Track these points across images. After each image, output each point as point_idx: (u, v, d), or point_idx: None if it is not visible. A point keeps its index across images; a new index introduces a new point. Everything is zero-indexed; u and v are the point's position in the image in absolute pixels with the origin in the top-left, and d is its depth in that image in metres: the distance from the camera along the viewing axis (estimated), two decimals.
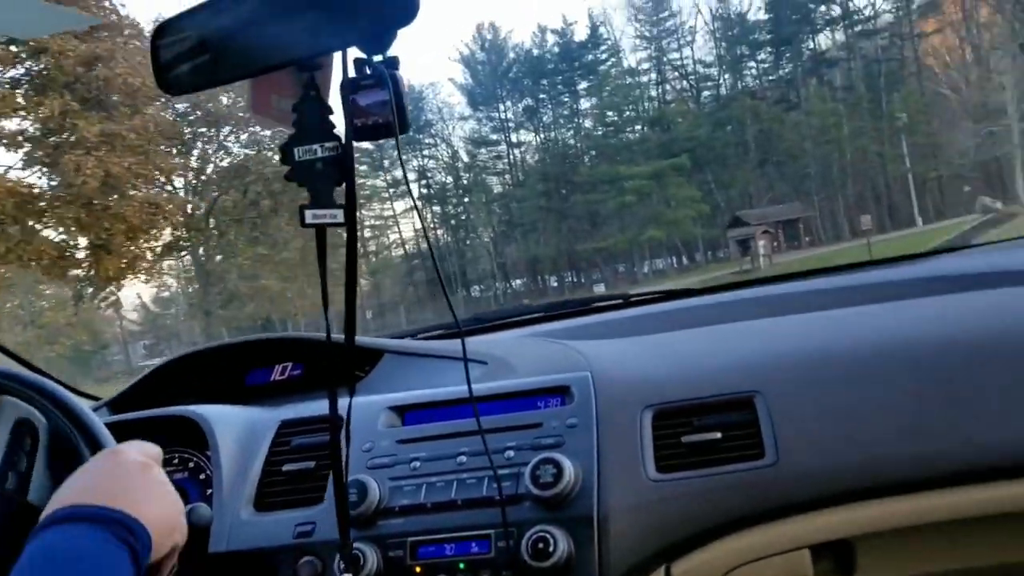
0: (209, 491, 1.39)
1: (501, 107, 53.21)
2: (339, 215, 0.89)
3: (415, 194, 59.57)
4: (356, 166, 0.93)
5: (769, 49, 50.70)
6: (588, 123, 48.79)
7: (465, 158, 57.35)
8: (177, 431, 1.46)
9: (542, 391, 1.36)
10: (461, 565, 1.17)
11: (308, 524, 1.26)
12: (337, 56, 0.88)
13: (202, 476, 1.45)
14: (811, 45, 50.01)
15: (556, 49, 51.31)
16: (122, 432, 1.11)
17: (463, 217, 58.65)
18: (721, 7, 52.13)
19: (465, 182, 57.72)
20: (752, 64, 51.97)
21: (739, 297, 1.87)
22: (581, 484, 1.18)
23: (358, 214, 0.92)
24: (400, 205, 58.16)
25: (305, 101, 0.91)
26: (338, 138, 0.89)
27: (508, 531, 1.15)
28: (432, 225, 59.02)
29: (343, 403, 1.01)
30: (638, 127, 49.54)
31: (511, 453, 1.25)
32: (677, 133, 46.98)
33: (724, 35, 51.96)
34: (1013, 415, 1.16)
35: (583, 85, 50.67)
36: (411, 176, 58.46)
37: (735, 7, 52.61)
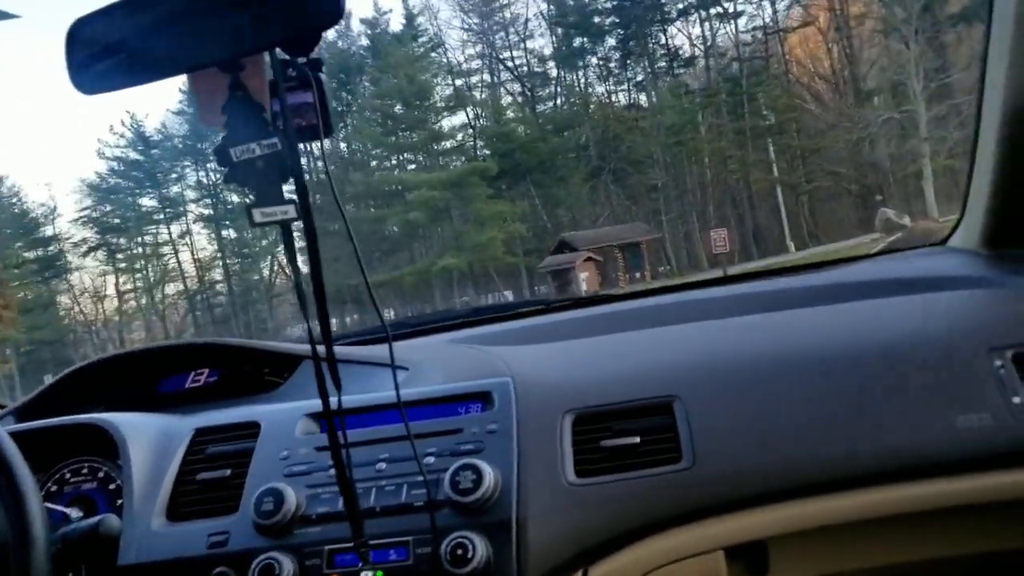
0: (119, 501, 1.36)
1: None
2: (290, 211, 0.89)
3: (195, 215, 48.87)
4: None
5: (613, 42, 43.97)
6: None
7: None
8: (86, 440, 1.44)
9: (463, 397, 1.37)
10: (379, 573, 1.16)
11: (222, 534, 1.24)
12: (266, 57, 0.89)
13: (112, 486, 1.42)
14: (662, 40, 43.42)
15: (365, 41, 44.08)
16: (28, 441, 1.15)
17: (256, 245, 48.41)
18: None
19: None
20: (594, 59, 44.70)
21: (660, 303, 1.87)
22: (500, 489, 1.19)
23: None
24: (176, 228, 47.67)
25: (234, 101, 0.89)
26: (274, 134, 0.89)
27: (428, 537, 1.16)
28: (217, 254, 48.66)
29: (318, 403, 1.02)
30: (460, 132, 41.41)
31: (431, 459, 1.25)
32: (494, 132, 38.89)
33: (561, 21, 44.42)
34: (920, 418, 1.22)
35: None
36: (191, 195, 48.01)
37: None
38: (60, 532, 1.06)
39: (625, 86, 44.05)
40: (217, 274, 49.34)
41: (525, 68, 44.84)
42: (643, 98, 42.71)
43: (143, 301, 47.61)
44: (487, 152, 37.17)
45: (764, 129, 38.85)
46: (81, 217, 45.48)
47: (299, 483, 1.26)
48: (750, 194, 39.29)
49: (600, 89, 44.66)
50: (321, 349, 0.94)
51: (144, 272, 47.53)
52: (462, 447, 1.25)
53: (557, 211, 39.54)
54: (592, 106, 42.27)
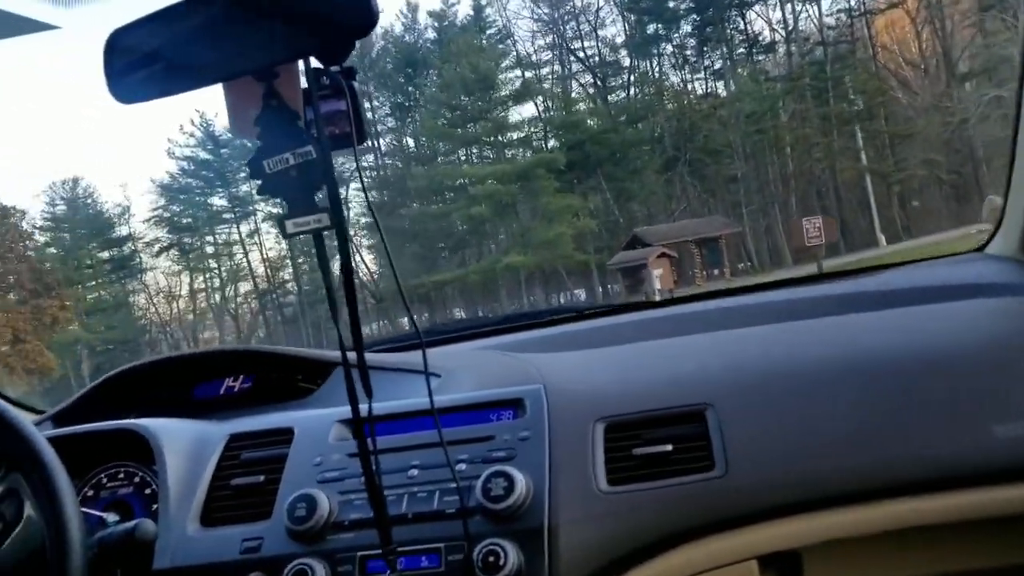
0: (155, 506, 1.37)
1: (367, 105, 42.47)
2: (324, 219, 0.89)
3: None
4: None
5: (688, 28, 41.91)
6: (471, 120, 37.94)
7: None
8: (122, 445, 1.45)
9: (495, 404, 1.37)
10: None
11: (255, 539, 1.25)
12: (300, 65, 0.90)
13: (147, 491, 1.44)
14: (741, 25, 41.27)
15: (432, 34, 42.58)
16: (65, 446, 1.17)
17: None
18: None
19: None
20: (669, 47, 42.53)
21: (692, 310, 1.87)
22: (532, 497, 1.19)
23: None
24: (245, 227, 47.47)
25: (268, 111, 0.90)
26: (309, 142, 0.90)
27: (460, 544, 1.16)
28: (285, 253, 48.47)
29: (342, 411, 1.14)
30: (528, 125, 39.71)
31: (463, 466, 1.25)
32: (563, 122, 37.21)
33: (634, 7, 42.52)
34: (958, 427, 1.20)
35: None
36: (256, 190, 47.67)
37: None
38: (97, 536, 1.09)
39: (701, 74, 41.93)
40: (286, 273, 49.19)
41: (596, 58, 43.12)
42: (720, 86, 40.64)
43: (213, 300, 47.72)
44: (555, 144, 35.48)
45: (851, 115, 36.34)
46: (153, 217, 45.68)
47: (332, 489, 1.25)
48: (836, 185, 36.90)
49: (675, 78, 42.60)
50: (352, 356, 0.95)
51: (216, 271, 47.62)
52: (494, 454, 1.24)
53: (630, 205, 37.49)
54: (666, 95, 40.23)
